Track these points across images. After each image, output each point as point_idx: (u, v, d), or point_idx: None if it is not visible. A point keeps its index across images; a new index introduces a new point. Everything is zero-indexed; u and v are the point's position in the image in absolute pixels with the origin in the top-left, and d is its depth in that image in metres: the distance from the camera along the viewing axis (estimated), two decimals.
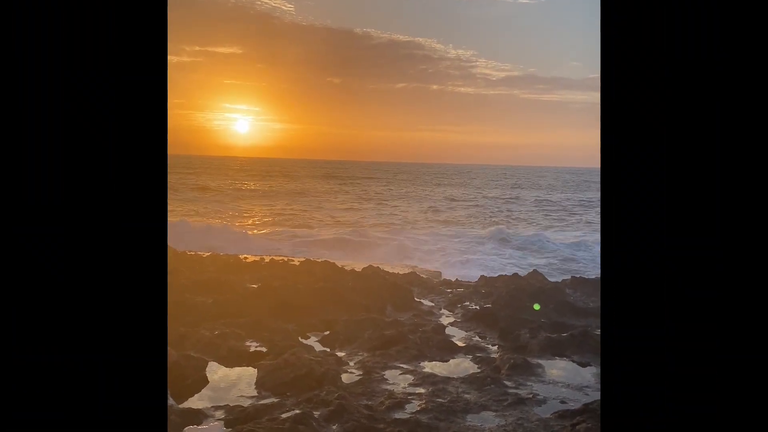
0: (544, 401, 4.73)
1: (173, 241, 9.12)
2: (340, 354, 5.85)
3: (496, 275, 10.38)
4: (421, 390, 4.88)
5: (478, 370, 5.44)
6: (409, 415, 4.33)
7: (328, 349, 6.02)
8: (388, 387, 4.96)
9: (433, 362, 5.70)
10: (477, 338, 6.64)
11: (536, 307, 7.61)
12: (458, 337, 6.66)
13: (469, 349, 6.11)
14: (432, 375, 5.25)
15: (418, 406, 4.52)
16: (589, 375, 5.45)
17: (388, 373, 5.31)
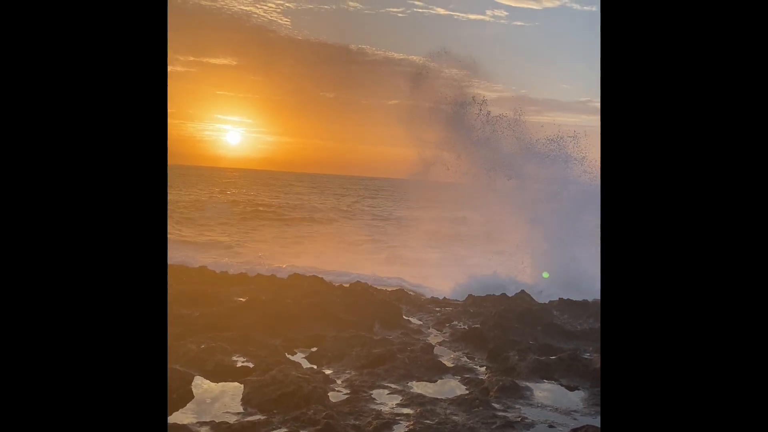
0: (532, 425, 4.70)
1: None
2: (328, 371, 5.79)
3: (484, 295, 10.36)
4: (409, 410, 4.84)
5: (467, 392, 5.40)
6: None
7: (316, 366, 5.96)
8: (376, 407, 4.91)
9: (422, 382, 5.65)
10: (465, 359, 6.61)
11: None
12: (447, 357, 6.62)
13: (458, 370, 6.08)
14: (420, 395, 5.21)
15: (406, 427, 4.47)
16: (577, 399, 5.44)
17: (375, 393, 5.26)
